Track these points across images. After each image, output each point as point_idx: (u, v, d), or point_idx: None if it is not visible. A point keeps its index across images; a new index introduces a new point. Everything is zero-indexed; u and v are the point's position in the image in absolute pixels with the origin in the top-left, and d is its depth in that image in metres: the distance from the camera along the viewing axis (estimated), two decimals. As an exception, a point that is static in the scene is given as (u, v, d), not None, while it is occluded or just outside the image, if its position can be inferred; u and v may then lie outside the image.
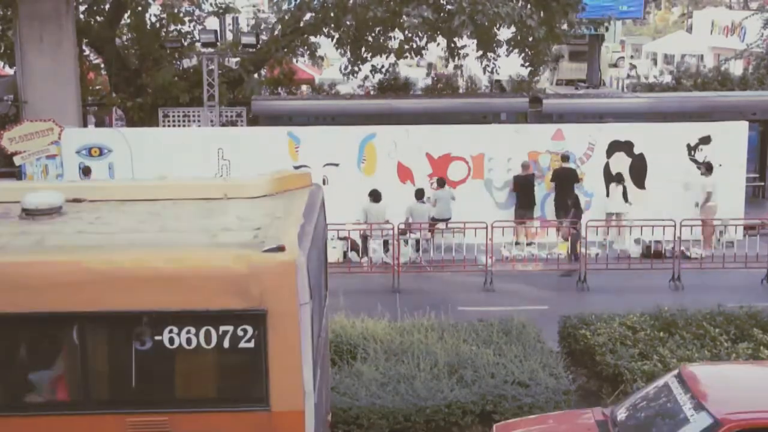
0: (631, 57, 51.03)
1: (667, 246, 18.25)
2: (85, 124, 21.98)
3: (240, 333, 6.85)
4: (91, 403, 7.03)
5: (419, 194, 18.84)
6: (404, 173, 19.89)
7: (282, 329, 6.79)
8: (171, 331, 6.86)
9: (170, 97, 23.58)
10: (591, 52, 32.39)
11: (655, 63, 48.93)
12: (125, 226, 7.70)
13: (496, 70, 24.11)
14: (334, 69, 32.72)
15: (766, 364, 10.14)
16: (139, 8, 25.57)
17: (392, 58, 25.26)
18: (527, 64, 24.39)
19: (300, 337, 6.81)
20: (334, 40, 24.70)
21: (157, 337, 6.89)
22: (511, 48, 23.73)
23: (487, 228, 17.30)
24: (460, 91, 28.77)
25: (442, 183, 19.19)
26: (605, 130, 20.13)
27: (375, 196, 18.75)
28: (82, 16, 24.82)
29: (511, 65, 26.70)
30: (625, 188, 19.70)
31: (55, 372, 7.21)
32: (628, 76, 41.35)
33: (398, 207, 18.76)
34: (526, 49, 23.60)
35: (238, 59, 25.95)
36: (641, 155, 20.04)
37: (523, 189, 19.39)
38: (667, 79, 30.13)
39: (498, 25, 22.34)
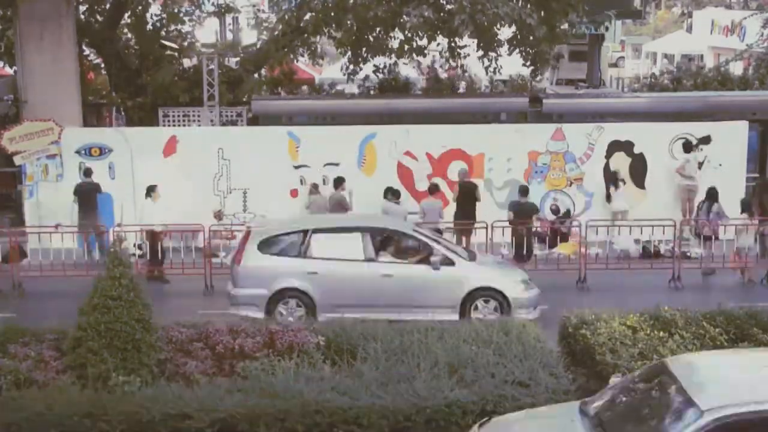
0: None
1: (666, 246, 18.31)
2: (85, 124, 21.96)
3: None
4: None
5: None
6: (404, 173, 19.91)
7: None
8: None
9: (170, 96, 23.57)
10: (591, 52, 32.35)
11: (655, 63, 48.88)
12: None
13: (499, 70, 24.06)
14: (335, 69, 32.68)
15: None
16: (139, 8, 25.57)
17: (393, 58, 25.22)
18: (529, 63, 24.36)
19: None
20: (335, 41, 24.69)
21: None
22: (512, 48, 23.71)
23: (487, 228, 17.31)
24: (460, 91, 28.72)
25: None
26: (605, 130, 20.15)
27: (395, 195, 18.59)
28: (82, 15, 24.81)
29: (511, 65, 26.67)
30: (623, 182, 19.71)
31: None
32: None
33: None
34: (528, 49, 23.59)
35: (238, 59, 25.96)
36: (641, 155, 20.06)
37: (465, 197, 18.81)
38: (667, 79, 29.99)
39: (499, 25, 22.32)
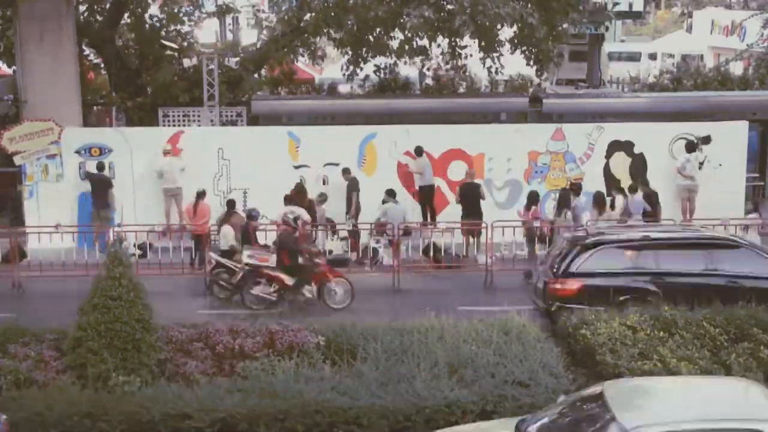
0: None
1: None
2: (85, 124, 21.94)
3: None
4: None
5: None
6: (404, 173, 19.91)
7: None
8: None
9: (170, 96, 23.56)
10: (591, 52, 32.32)
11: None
12: None
13: (500, 71, 24.05)
14: (335, 68, 32.66)
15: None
16: (139, 8, 25.55)
17: (393, 58, 25.18)
18: (531, 63, 24.33)
19: None
20: (336, 42, 24.66)
21: None
22: (514, 47, 23.69)
23: (487, 228, 17.31)
24: (460, 90, 28.71)
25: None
26: (605, 130, 20.13)
27: (394, 195, 18.60)
28: (82, 15, 24.79)
29: (512, 65, 26.66)
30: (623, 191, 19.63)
31: None
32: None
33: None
34: (530, 48, 23.56)
35: (238, 59, 25.92)
36: (641, 155, 20.06)
37: (466, 198, 18.92)
38: (667, 79, 29.93)
39: (500, 25, 22.28)
